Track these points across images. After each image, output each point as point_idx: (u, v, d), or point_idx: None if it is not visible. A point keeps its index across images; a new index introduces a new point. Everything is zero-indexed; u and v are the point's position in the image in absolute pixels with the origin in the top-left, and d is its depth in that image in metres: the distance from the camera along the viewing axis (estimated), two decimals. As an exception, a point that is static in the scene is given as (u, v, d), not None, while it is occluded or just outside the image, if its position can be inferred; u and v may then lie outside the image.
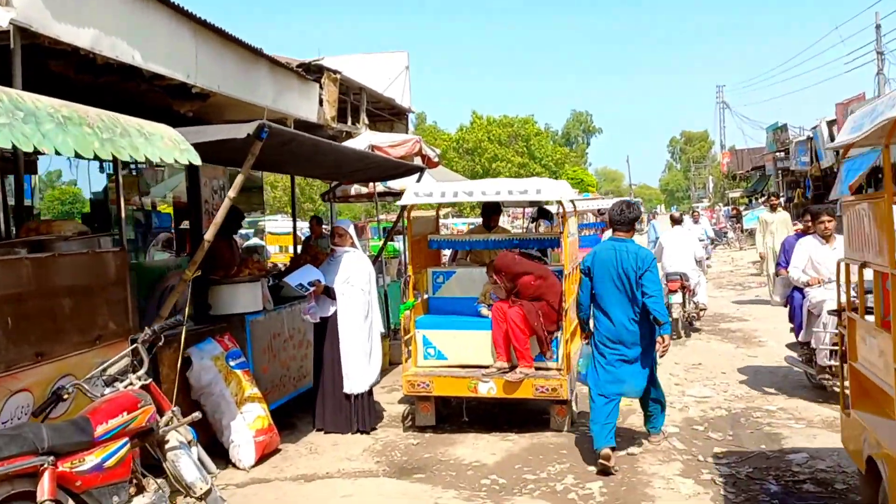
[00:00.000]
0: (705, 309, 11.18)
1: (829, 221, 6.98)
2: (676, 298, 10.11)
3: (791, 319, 7.52)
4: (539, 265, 6.52)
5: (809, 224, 7.51)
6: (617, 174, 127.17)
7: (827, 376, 6.63)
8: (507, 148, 65.55)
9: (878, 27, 18.22)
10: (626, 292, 5.30)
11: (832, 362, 6.39)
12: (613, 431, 5.23)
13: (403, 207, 6.99)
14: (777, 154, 33.41)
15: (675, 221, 11.96)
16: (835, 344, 5.98)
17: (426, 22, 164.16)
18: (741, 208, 40.65)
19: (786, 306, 7.72)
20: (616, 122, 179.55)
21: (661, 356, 5.51)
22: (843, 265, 4.44)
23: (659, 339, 5.29)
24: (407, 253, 6.71)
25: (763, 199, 39.23)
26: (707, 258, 13.62)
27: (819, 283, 6.82)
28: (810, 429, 5.94)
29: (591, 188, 76.94)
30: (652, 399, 5.68)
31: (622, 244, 5.42)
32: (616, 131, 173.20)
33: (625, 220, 5.47)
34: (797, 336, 7.32)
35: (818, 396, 6.93)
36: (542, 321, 6.07)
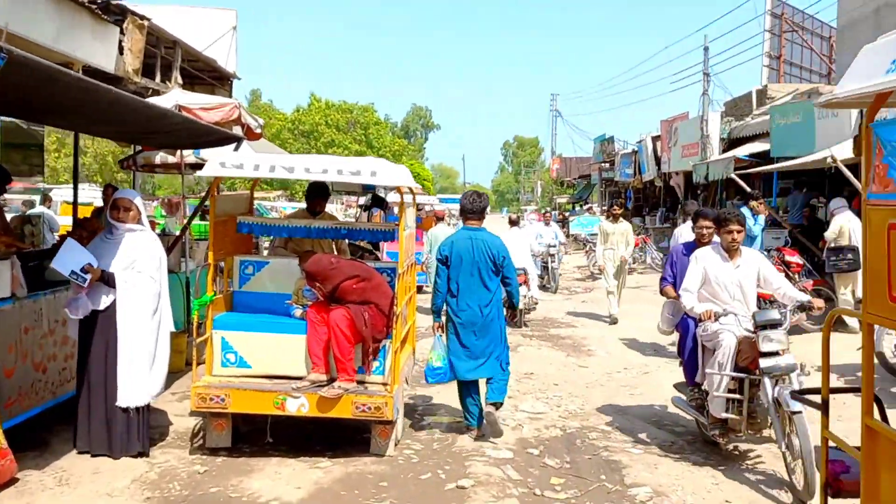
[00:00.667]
0: (537, 303, 12.03)
1: (738, 232, 5.31)
2: (523, 291, 10.32)
3: (680, 353, 5.88)
4: (360, 265, 5.57)
5: (705, 232, 5.94)
6: (452, 171, 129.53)
7: (718, 432, 5.22)
8: (344, 134, 64.05)
9: (706, 49, 19.14)
10: (482, 279, 5.59)
11: (729, 415, 5.10)
12: (480, 408, 5.74)
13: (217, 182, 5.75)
14: (603, 164, 34.97)
15: (513, 223, 13.17)
16: (732, 391, 5.10)
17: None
18: (567, 213, 42.32)
19: (672, 333, 6.27)
20: (454, 120, 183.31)
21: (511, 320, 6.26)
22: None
23: (510, 311, 6.02)
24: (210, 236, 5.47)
25: (587, 206, 41.21)
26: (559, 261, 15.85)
27: (714, 318, 5.12)
28: (649, 455, 5.49)
29: (427, 183, 77.68)
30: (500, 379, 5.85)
31: (477, 233, 5.70)
32: (454, 129, 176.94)
33: (477, 209, 5.76)
34: (687, 375, 5.69)
35: (651, 416, 6.60)
36: (369, 328, 5.14)
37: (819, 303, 5.24)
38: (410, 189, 6.14)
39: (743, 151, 15.43)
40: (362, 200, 13.00)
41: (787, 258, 10.31)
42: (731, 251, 5.34)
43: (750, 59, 26.37)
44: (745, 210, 10.86)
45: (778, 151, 14.10)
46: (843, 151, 9.78)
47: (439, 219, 13.16)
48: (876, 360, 6.49)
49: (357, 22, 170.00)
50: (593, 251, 19.08)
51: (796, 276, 9.99)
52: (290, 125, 64.12)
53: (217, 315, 5.44)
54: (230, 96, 11.23)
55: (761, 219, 10.68)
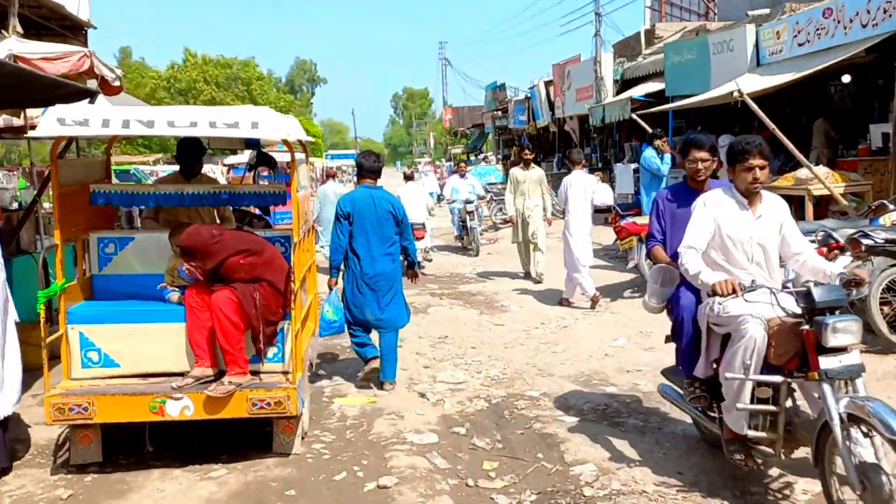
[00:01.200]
0: (431, 259, 12.87)
1: (761, 168, 3.77)
2: (420, 244, 10.40)
3: (674, 334, 4.30)
4: (248, 237, 4.72)
5: (700, 167, 4.33)
6: (342, 126, 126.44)
7: (740, 456, 3.76)
8: (225, 91, 60.64)
9: (597, -13, 18.64)
10: (382, 234, 5.73)
11: (758, 433, 3.71)
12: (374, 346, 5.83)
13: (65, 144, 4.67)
14: (495, 112, 34.59)
15: (408, 178, 13.55)
16: (764, 400, 3.67)
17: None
18: (462, 164, 41.85)
19: (663, 312, 4.41)
20: (341, 73, 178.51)
21: (415, 282, 6.41)
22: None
23: (411, 271, 6.08)
24: (55, 211, 4.45)
25: (482, 156, 40.94)
26: (479, 218, 14.32)
27: (737, 292, 3.53)
28: (585, 424, 5.03)
29: (318, 139, 75.27)
30: (391, 344, 5.87)
31: (377, 191, 5.86)
32: (341, 83, 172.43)
33: (375, 168, 5.97)
34: (683, 363, 4.18)
35: (578, 375, 6.18)
36: (260, 309, 4.34)
37: (863, 274, 3.62)
38: (301, 143, 5.29)
39: (638, 92, 15.28)
40: (246, 158, 11.86)
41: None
42: (751, 196, 3.85)
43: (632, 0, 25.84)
44: (650, 150, 10.62)
45: (673, 90, 13.99)
46: (748, 84, 9.60)
47: (330, 176, 12.51)
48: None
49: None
50: (494, 201, 18.70)
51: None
52: (164, 83, 60.05)
53: (72, 306, 4.47)
54: (86, 46, 9.76)
55: (667, 157, 10.44)
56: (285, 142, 4.56)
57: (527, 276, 10.97)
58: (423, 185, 16.42)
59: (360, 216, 5.67)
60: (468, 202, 13.67)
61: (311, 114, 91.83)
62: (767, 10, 12.78)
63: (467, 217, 13.79)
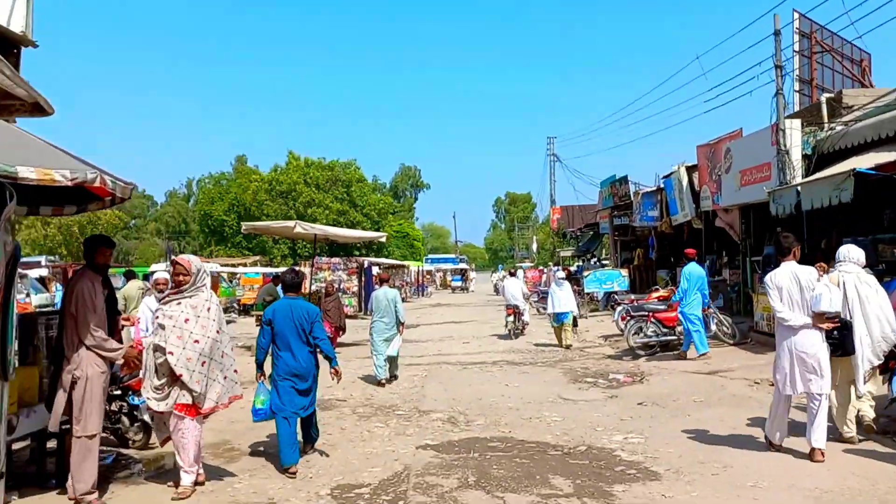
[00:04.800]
0: (528, 324, 19.31)
1: None
2: (510, 319, 18.25)
3: None
4: None
5: None
6: (443, 230, 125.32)
7: None
8: (325, 193, 59.38)
9: (776, 34, 14.14)
10: (301, 336, 6.53)
11: None
12: (298, 449, 6.41)
13: None
14: (613, 211, 30.05)
15: (512, 274, 22.60)
16: None
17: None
18: (572, 268, 37.07)
19: None
20: (444, 179, 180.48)
21: (338, 381, 6.90)
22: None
23: (332, 370, 6.71)
24: None
25: (594, 260, 36.12)
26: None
27: None
28: None
29: (418, 243, 72.85)
30: (313, 422, 6.92)
31: (295, 301, 6.69)
32: (444, 188, 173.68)
33: (295, 283, 6.87)
34: None
35: None
36: None
37: None
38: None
39: (866, 163, 10.41)
40: None
41: None
42: None
43: (762, 85, 20.90)
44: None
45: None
46: None
47: (383, 281, 12.14)
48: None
49: (340, 79, 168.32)
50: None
51: None
52: (267, 185, 59.55)
53: None
54: (17, 69, 6.20)
55: None
56: None
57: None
58: (520, 279, 22.92)
59: (280, 323, 6.52)
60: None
61: (414, 218, 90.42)
62: None
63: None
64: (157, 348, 5.29)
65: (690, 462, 6.08)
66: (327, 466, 6.35)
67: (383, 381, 10.86)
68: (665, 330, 12.97)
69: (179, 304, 5.37)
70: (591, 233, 38.58)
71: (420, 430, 7.75)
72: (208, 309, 5.43)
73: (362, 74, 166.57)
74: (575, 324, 16.26)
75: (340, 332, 14.90)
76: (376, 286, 12.58)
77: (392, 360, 11.28)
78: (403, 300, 21.08)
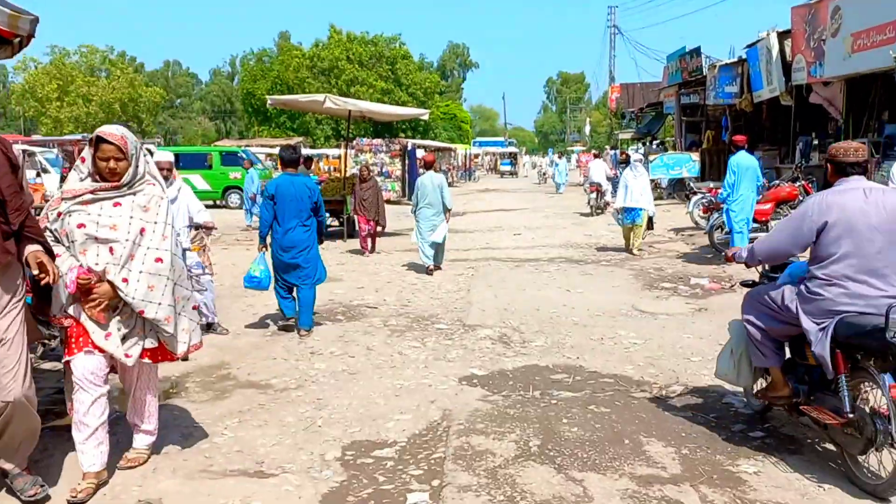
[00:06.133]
0: (610, 203, 18.64)
1: None
2: (593, 196, 19.79)
3: None
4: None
5: None
6: (492, 113, 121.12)
7: None
8: (368, 70, 56.57)
9: None
10: (298, 211, 6.80)
11: None
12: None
13: None
14: (681, 88, 27.11)
15: (597, 156, 24.97)
16: None
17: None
18: (629, 153, 34.47)
19: None
20: (494, 58, 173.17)
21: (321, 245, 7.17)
22: None
23: (320, 238, 7.06)
24: None
25: (656, 143, 33.39)
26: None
27: None
28: None
29: (465, 125, 70.00)
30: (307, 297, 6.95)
31: (296, 177, 6.91)
32: (494, 68, 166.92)
33: (293, 159, 7.03)
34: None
35: None
36: None
37: None
38: None
39: None
40: None
41: None
42: None
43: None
44: None
45: None
46: None
47: (428, 164, 10.86)
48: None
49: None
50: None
51: None
52: (307, 62, 56.94)
53: None
54: None
55: None
56: None
57: None
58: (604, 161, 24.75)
59: (282, 197, 6.77)
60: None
61: (462, 99, 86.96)
62: None
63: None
64: (91, 271, 3.57)
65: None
66: (343, 407, 4.85)
67: (431, 269, 10.36)
68: (756, 225, 10.99)
69: (120, 204, 3.63)
70: (654, 113, 35.59)
71: (465, 352, 6.21)
72: (164, 209, 3.69)
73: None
74: (650, 226, 12.70)
75: (380, 228, 13.25)
76: (421, 170, 11.47)
77: (438, 248, 10.50)
78: (450, 185, 19.43)
